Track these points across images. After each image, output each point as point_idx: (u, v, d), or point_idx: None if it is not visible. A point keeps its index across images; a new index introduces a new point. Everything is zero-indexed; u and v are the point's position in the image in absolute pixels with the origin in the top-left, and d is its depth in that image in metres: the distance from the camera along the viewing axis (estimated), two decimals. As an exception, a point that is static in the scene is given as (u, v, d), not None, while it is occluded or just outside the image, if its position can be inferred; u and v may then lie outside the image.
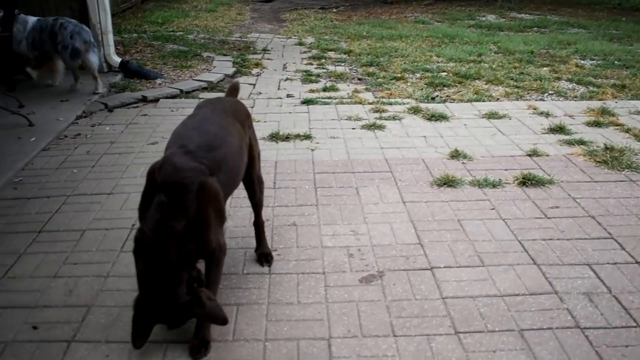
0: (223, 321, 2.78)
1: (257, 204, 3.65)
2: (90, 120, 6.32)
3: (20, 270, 3.65)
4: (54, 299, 3.36)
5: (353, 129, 5.96)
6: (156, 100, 6.95)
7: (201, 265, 2.93)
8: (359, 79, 8.01)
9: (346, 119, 6.22)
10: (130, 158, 5.28)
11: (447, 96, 7.19)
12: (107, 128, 6.06)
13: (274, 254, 3.70)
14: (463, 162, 5.13)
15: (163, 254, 2.68)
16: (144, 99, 6.94)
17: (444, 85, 7.61)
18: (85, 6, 7.73)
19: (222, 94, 7.09)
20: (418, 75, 8.22)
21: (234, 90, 3.85)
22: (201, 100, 6.83)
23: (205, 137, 3.02)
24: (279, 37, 11.19)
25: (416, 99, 7.00)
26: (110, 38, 7.91)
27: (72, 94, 7.03)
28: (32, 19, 6.83)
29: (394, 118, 6.25)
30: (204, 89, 7.39)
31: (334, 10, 14.97)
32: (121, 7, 13.39)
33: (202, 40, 10.42)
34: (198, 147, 2.94)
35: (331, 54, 9.61)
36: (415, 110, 6.47)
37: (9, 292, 3.44)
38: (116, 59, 7.96)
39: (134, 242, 2.78)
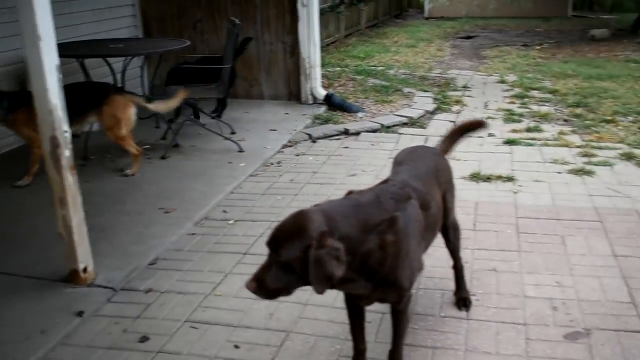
0: None
1: (453, 250, 3.56)
2: (294, 149, 6.60)
3: (226, 289, 3.87)
4: (256, 320, 3.51)
5: (559, 173, 5.66)
6: (357, 133, 7.09)
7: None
8: (565, 121, 7.63)
9: (551, 162, 5.93)
10: (331, 189, 5.40)
11: (665, 143, 6.61)
12: (311, 158, 6.29)
13: (472, 298, 3.60)
14: (685, 217, 4.67)
15: None
16: (346, 132, 7.11)
17: (662, 131, 7.02)
18: (297, 40, 8.14)
19: (422, 130, 7.16)
20: (631, 118, 7.64)
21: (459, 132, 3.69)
22: (401, 136, 6.90)
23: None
24: (479, 75, 11.00)
25: (629, 144, 6.50)
26: (317, 72, 8.27)
27: (280, 124, 7.39)
28: None
29: (604, 164, 5.84)
30: (404, 124, 7.41)
31: (537, 48, 14.44)
32: (325, 42, 13.95)
33: (403, 76, 10.52)
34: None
35: (535, 93, 9.26)
36: (629, 157, 6.01)
37: (214, 309, 3.65)
38: (322, 92, 8.28)
39: None
